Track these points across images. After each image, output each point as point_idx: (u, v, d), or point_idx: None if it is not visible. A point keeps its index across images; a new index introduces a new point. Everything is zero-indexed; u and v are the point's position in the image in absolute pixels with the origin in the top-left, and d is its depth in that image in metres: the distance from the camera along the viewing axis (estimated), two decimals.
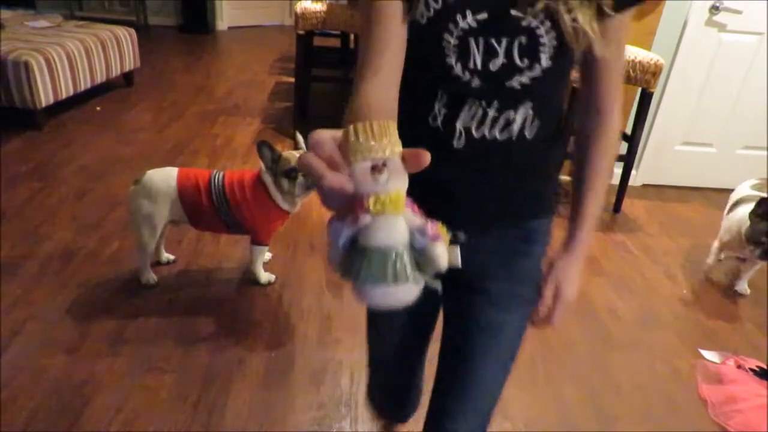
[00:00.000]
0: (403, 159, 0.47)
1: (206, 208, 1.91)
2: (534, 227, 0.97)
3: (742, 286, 2.42)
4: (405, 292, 0.48)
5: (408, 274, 0.47)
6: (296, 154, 1.92)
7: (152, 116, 3.81)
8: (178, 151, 3.27)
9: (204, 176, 1.93)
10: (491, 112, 0.81)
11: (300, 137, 2.04)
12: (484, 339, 0.94)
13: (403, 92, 0.72)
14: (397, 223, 0.47)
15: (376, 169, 0.46)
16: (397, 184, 0.47)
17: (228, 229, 1.99)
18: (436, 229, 0.49)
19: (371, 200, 0.46)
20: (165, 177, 1.90)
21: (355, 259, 0.48)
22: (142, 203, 1.88)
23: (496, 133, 0.82)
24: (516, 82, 0.79)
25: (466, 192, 0.86)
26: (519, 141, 0.84)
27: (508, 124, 0.82)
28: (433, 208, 0.53)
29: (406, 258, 0.47)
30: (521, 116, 0.82)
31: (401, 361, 1.14)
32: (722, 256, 2.48)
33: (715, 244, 2.47)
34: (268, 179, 1.92)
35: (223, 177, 1.95)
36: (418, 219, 0.49)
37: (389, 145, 0.46)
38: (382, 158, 0.46)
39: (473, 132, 0.82)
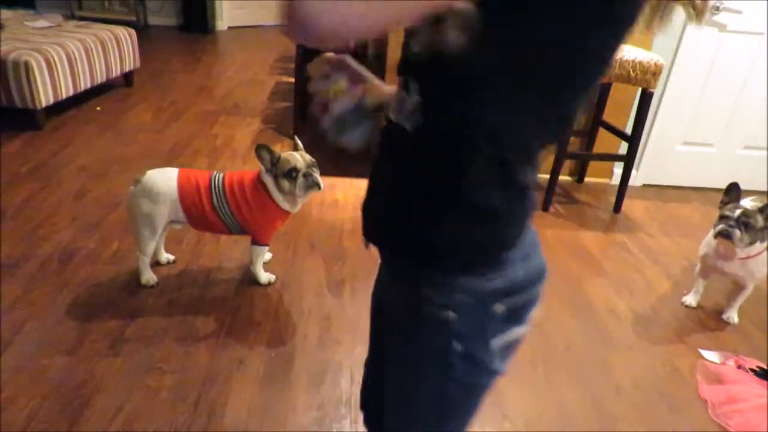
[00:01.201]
0: None
1: (206, 209, 1.91)
2: (398, 264, 0.75)
3: (731, 315, 2.23)
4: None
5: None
6: (296, 154, 1.92)
7: (152, 116, 3.81)
8: (178, 151, 3.27)
9: (204, 177, 1.94)
10: (402, 83, 0.66)
11: (298, 140, 2.04)
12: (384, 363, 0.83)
13: None
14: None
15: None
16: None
17: (228, 229, 1.99)
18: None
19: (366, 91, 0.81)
20: (165, 177, 1.90)
21: (349, 121, 0.80)
22: (142, 203, 1.88)
23: (392, 115, 0.67)
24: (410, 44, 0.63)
25: (369, 183, 0.75)
26: (400, 134, 0.66)
27: (402, 105, 0.65)
28: None
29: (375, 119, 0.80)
30: (411, 101, 0.63)
31: None
32: (701, 286, 2.29)
33: (697, 267, 2.30)
34: (268, 180, 1.92)
35: (223, 178, 1.95)
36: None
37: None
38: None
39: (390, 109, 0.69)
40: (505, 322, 0.73)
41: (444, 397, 0.78)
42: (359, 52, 3.57)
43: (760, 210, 1.99)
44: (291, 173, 1.88)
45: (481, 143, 0.62)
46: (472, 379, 0.77)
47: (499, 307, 0.71)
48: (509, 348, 0.76)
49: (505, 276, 0.70)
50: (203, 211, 1.92)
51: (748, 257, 2.06)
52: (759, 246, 2.04)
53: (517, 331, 0.75)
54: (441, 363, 0.74)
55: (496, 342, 0.73)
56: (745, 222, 1.97)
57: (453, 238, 0.67)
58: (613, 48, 0.62)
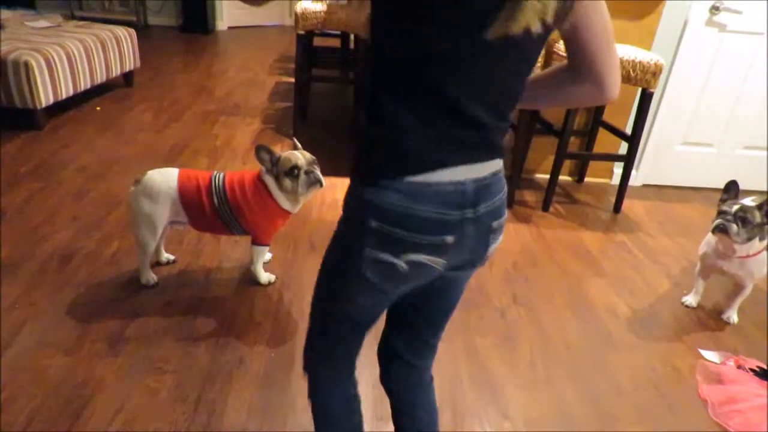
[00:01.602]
0: None
1: (207, 210, 1.91)
2: None
3: (730, 315, 2.24)
4: None
5: None
6: (296, 153, 1.92)
7: (152, 116, 3.81)
8: (178, 151, 3.28)
9: (204, 177, 1.93)
10: None
11: (297, 141, 2.05)
12: None
13: None
14: None
15: None
16: None
17: (229, 230, 1.99)
18: None
19: None
20: (165, 178, 1.90)
21: None
22: (142, 203, 1.88)
23: None
24: None
25: None
26: None
27: None
28: None
29: None
30: None
31: None
32: (701, 287, 2.30)
33: (697, 267, 2.30)
34: (269, 180, 1.92)
35: (224, 178, 1.95)
36: None
37: None
38: None
39: None
40: (377, 241, 0.88)
41: (331, 272, 1.01)
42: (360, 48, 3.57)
43: (759, 206, 1.98)
44: (293, 171, 1.88)
45: (360, 81, 1.15)
46: (349, 266, 0.94)
47: (372, 222, 0.86)
48: (381, 268, 0.91)
49: (378, 196, 0.85)
50: (204, 212, 1.92)
51: (748, 256, 2.06)
52: (758, 245, 2.04)
53: (387, 258, 0.89)
54: (335, 244, 0.98)
55: (368, 252, 0.89)
56: (742, 217, 1.97)
57: (355, 152, 0.91)
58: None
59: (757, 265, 2.09)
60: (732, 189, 2.09)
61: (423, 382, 1.21)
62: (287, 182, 1.90)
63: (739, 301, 2.22)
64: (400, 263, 0.89)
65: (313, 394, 1.16)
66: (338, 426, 1.18)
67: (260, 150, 1.88)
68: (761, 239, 2.03)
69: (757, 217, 1.97)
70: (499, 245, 0.98)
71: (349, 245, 0.93)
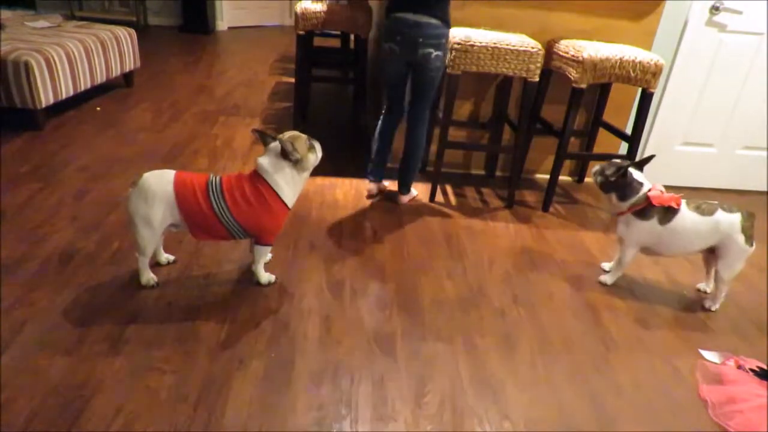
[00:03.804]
0: None
1: (206, 214, 1.89)
2: None
3: (607, 278, 2.41)
4: None
5: None
6: (288, 133, 1.97)
7: (152, 116, 3.81)
8: (178, 151, 3.28)
9: (201, 182, 1.91)
10: None
11: (257, 133, 2.09)
12: None
13: None
14: None
15: None
16: None
17: (230, 234, 1.96)
18: None
19: None
20: (161, 179, 1.88)
21: None
22: (139, 206, 1.86)
23: None
24: None
25: None
26: None
27: None
28: None
29: None
30: None
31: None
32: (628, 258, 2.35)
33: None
34: (280, 173, 1.92)
35: (221, 181, 1.93)
36: None
37: None
38: None
39: None
40: (383, 36, 2.59)
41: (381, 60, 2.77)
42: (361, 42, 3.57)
43: (617, 167, 2.19)
44: (311, 144, 1.99)
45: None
46: (382, 51, 2.62)
47: (383, 29, 2.60)
48: (384, 48, 2.58)
49: (385, 21, 2.55)
50: (204, 217, 1.89)
51: (619, 213, 2.25)
52: (619, 204, 2.23)
53: (383, 44, 2.57)
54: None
55: (382, 42, 2.60)
56: (602, 167, 2.26)
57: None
58: None
59: (623, 225, 2.26)
60: (644, 163, 2.27)
61: (412, 124, 2.71)
62: (311, 157, 2.00)
63: (617, 265, 2.37)
64: (385, 46, 2.53)
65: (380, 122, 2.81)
66: (380, 133, 2.79)
67: (286, 142, 1.91)
68: (620, 199, 2.21)
69: (608, 171, 2.22)
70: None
71: (381, 42, 2.55)
